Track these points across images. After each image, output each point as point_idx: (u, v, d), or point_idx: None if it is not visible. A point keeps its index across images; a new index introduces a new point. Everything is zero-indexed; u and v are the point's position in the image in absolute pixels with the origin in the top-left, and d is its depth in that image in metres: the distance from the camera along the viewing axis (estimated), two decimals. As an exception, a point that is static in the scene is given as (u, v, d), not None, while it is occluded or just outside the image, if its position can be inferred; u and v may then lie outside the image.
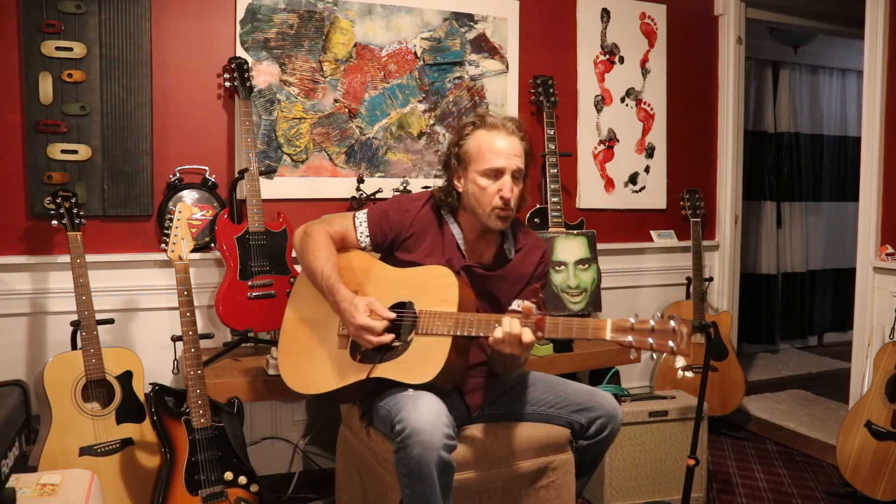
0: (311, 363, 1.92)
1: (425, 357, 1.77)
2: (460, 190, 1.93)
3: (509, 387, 2.07)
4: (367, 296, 1.85)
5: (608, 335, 1.58)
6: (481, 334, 1.73)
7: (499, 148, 1.86)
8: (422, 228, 1.94)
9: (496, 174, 1.86)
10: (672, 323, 1.51)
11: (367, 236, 1.95)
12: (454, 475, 1.71)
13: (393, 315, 1.82)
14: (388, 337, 1.80)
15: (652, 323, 1.54)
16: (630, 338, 1.55)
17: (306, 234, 1.95)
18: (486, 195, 1.86)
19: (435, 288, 1.82)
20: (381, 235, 1.95)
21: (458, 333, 1.75)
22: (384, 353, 1.82)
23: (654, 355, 1.54)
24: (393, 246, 1.96)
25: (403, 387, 1.78)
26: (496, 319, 1.71)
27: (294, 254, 2.00)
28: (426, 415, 1.65)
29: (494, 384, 2.06)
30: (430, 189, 2.06)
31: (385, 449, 1.91)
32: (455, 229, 1.95)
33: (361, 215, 1.97)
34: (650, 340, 1.53)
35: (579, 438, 2.00)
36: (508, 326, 1.66)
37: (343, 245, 1.97)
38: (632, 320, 1.56)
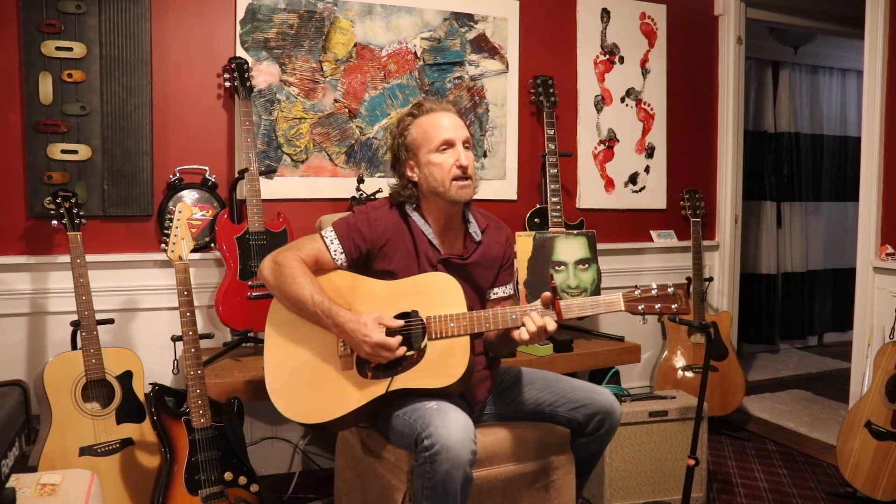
0: (315, 391, 1.85)
1: (446, 359, 1.78)
2: (416, 179, 1.94)
3: (507, 386, 2.07)
4: (361, 313, 1.82)
5: (622, 306, 1.78)
6: (500, 328, 1.82)
7: (444, 124, 1.91)
8: (394, 234, 1.93)
9: (448, 146, 1.90)
10: (670, 288, 1.79)
11: (341, 253, 1.90)
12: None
13: (402, 323, 1.80)
14: (404, 348, 1.79)
15: (654, 290, 1.79)
16: (641, 306, 1.78)
17: (277, 264, 1.86)
18: (444, 169, 1.88)
19: (436, 294, 1.83)
20: (355, 250, 1.91)
21: (476, 331, 1.79)
22: (398, 364, 1.80)
23: (661, 317, 1.86)
24: (369, 258, 1.93)
25: (424, 396, 1.78)
26: (511, 311, 1.80)
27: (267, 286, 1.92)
28: (455, 431, 1.66)
29: (493, 377, 2.05)
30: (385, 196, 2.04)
31: (386, 449, 1.91)
32: (422, 224, 1.95)
33: (329, 234, 1.91)
34: (657, 306, 1.77)
35: (578, 436, 2.00)
36: (533, 323, 1.77)
37: (317, 267, 1.90)
38: (637, 292, 1.79)
